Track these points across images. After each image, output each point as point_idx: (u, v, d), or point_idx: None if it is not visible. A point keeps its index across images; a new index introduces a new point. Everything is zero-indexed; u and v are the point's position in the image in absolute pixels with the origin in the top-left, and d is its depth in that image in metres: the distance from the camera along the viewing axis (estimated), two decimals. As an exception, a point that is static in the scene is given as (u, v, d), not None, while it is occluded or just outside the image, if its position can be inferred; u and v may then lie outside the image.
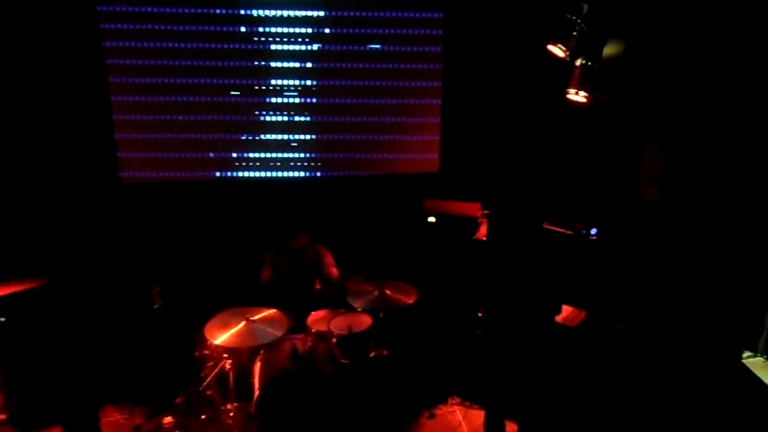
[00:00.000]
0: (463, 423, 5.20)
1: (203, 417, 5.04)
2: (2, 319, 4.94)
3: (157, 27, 6.29)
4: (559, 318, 5.12)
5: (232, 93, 6.56)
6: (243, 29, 6.41)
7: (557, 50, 5.01)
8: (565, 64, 5.02)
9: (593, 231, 5.60)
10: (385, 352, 5.27)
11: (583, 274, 5.52)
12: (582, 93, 5.05)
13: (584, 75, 4.99)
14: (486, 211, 6.02)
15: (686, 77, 4.93)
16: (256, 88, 6.59)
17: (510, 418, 4.59)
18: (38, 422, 4.95)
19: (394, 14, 6.58)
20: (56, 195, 6.20)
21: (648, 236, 5.22)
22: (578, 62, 4.98)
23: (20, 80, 5.95)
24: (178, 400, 5.11)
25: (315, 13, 6.47)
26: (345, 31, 6.55)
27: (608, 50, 4.83)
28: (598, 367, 4.82)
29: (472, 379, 5.42)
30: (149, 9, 6.23)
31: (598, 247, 5.61)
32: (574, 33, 4.87)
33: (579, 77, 5.01)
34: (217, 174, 6.73)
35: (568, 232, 5.73)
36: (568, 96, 5.12)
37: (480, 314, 5.17)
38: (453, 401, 5.43)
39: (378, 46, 6.62)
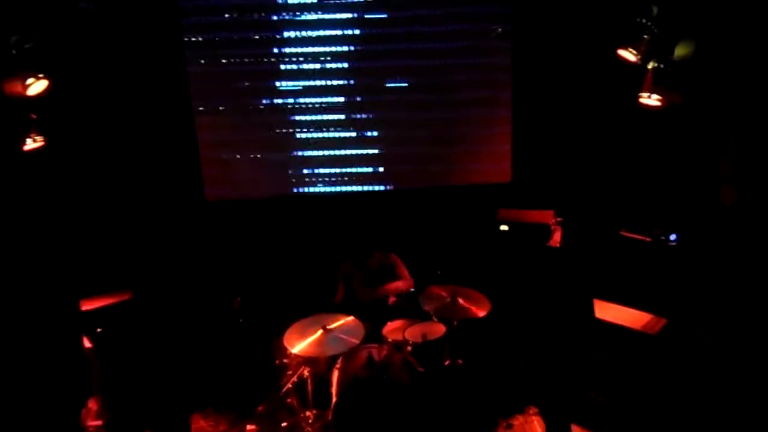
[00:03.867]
0: (541, 433, 5.15)
1: (284, 424, 5.18)
2: (99, 330, 5.26)
3: (236, 51, 6.59)
4: (638, 326, 5.03)
5: (306, 111, 6.76)
6: (315, 50, 6.64)
7: (629, 54, 4.97)
8: (636, 68, 4.95)
9: (672, 237, 5.47)
10: (459, 361, 5.29)
11: (663, 281, 5.40)
12: (655, 96, 4.98)
13: (657, 78, 4.92)
14: (559, 219, 5.97)
15: (760, 72, 4.78)
16: (327, 105, 6.78)
17: (583, 426, 4.52)
18: (132, 429, 5.23)
19: (462, 26, 6.64)
20: (147, 212, 6.55)
21: (730, 240, 5.06)
22: (650, 65, 4.92)
23: (113, 102, 6.33)
24: (260, 408, 5.29)
25: (390, 31, 6.63)
26: (417, 46, 6.65)
27: (679, 51, 4.75)
28: (680, 375, 4.70)
29: (549, 389, 5.36)
30: (230, 35, 6.54)
31: (678, 253, 5.47)
32: (645, 36, 4.82)
33: (652, 80, 4.95)
34: (294, 190, 6.94)
35: (646, 238, 5.62)
36: (641, 100, 5.06)
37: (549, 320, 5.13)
38: (530, 411, 5.37)
39: (446, 60, 6.69)
